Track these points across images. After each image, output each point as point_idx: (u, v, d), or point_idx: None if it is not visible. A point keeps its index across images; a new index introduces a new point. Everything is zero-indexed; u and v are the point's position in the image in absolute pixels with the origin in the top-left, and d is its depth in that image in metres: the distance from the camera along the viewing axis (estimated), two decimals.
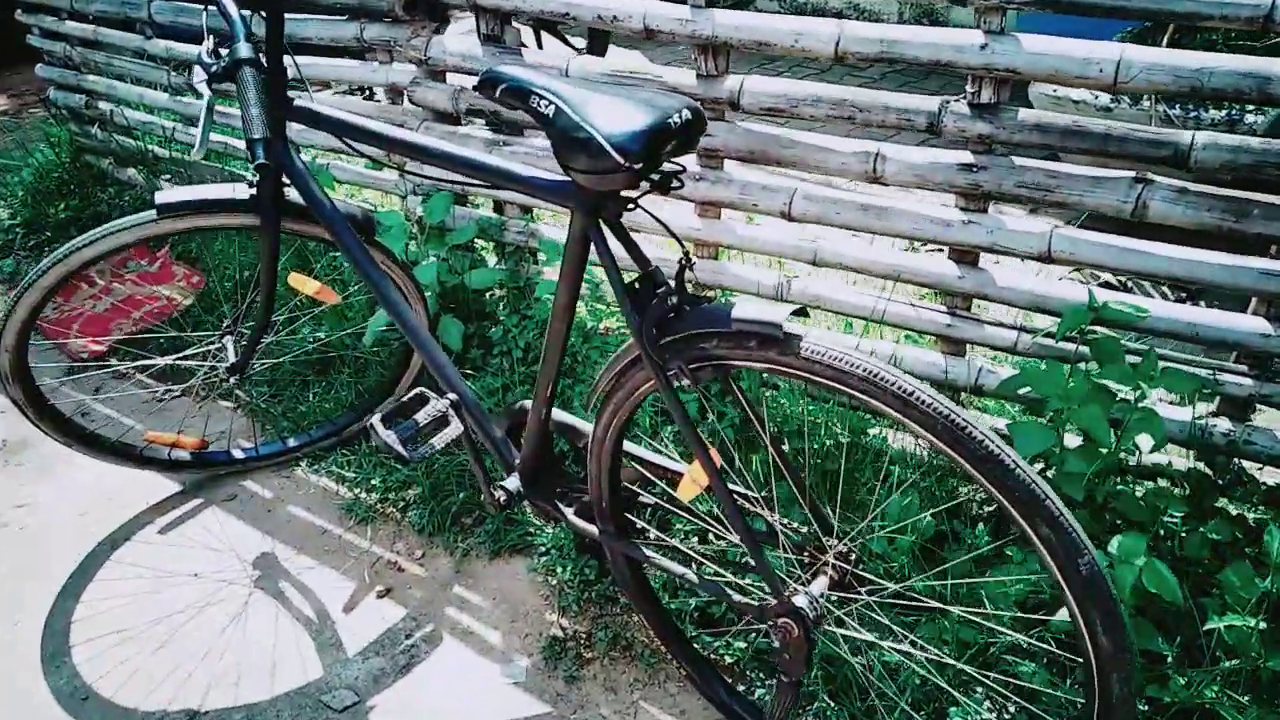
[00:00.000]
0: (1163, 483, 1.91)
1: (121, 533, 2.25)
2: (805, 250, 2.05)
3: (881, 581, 1.42)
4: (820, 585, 1.42)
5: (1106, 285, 2.77)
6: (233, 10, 1.57)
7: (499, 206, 2.56)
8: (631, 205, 1.31)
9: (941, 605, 1.58)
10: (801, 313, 1.26)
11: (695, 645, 1.79)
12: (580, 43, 5.34)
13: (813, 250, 2.04)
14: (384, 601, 2.06)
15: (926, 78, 5.51)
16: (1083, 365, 1.83)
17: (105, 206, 3.64)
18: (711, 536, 1.70)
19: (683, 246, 1.35)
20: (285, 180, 1.82)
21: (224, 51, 1.59)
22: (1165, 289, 2.79)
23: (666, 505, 1.62)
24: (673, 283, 1.36)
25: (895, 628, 1.53)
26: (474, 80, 1.42)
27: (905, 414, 1.15)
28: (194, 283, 3.20)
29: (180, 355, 2.29)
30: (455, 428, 1.64)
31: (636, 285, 1.37)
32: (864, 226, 1.94)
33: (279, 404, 2.61)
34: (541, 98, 1.28)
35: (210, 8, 1.64)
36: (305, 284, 2.09)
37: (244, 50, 1.49)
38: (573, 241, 1.40)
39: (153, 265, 3.26)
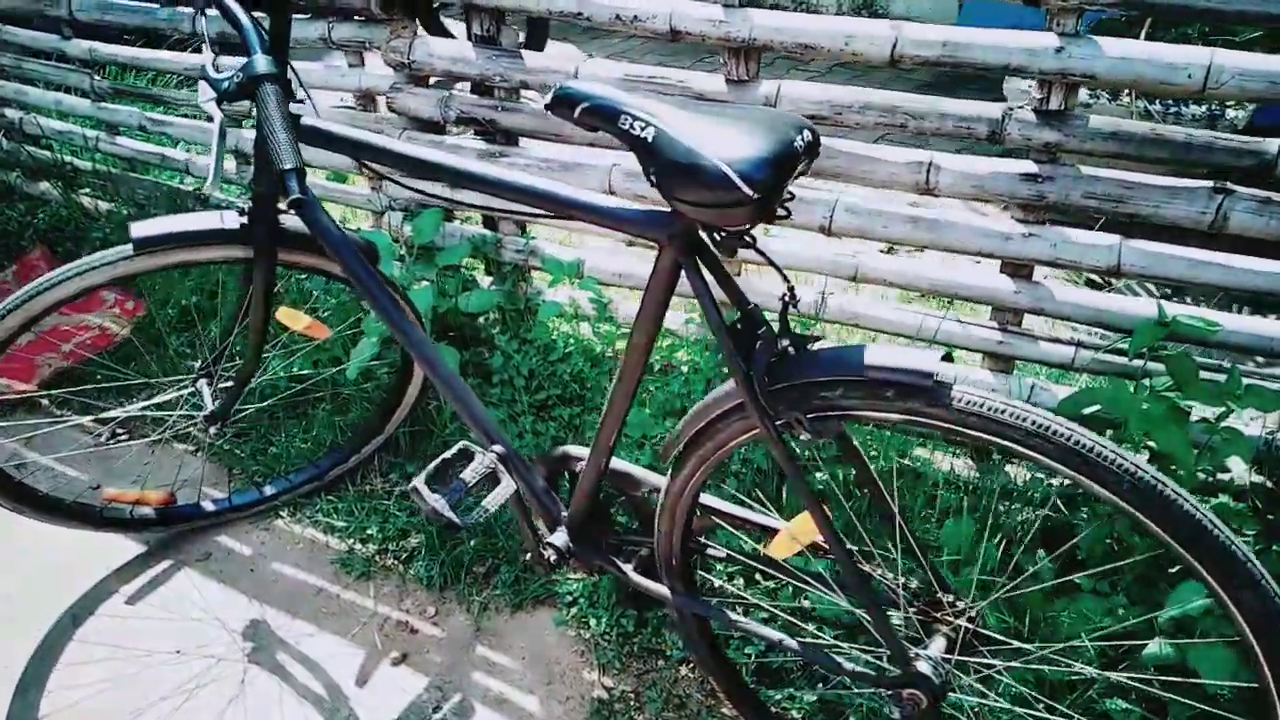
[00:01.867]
0: (1223, 498, 1.84)
1: (83, 606, 1.98)
2: (845, 266, 1.92)
3: (1008, 641, 1.30)
4: (939, 648, 1.29)
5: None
6: (242, 15, 1.34)
7: (491, 223, 2.36)
8: (750, 240, 1.14)
9: (1096, 671, 1.46)
10: (947, 357, 1.12)
11: (771, 708, 1.64)
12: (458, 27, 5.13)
13: (853, 266, 1.91)
14: (401, 670, 1.85)
15: (938, 82, 5.36)
16: (1146, 381, 1.75)
17: (15, 226, 3.27)
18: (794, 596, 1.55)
19: (787, 281, 1.19)
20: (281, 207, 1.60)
21: (216, 62, 1.36)
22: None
23: (748, 562, 1.46)
24: (777, 323, 1.21)
25: (1034, 695, 1.41)
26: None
27: (1084, 472, 1.03)
28: (129, 310, 2.89)
29: (148, 404, 2.02)
30: (507, 485, 1.46)
31: (738, 326, 1.21)
32: (912, 240, 1.82)
33: (245, 445, 2.36)
34: (635, 119, 1.11)
35: (208, 11, 1.41)
36: (295, 319, 1.86)
37: (262, 64, 1.26)
38: (659, 277, 1.24)
39: None
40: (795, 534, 1.31)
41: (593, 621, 1.91)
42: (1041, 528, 1.82)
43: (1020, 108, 1.66)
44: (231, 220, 1.60)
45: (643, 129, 1.10)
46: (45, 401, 2.53)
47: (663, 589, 1.48)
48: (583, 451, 1.58)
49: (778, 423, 1.20)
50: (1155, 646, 1.59)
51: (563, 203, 1.26)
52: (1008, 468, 1.95)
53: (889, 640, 1.24)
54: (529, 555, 1.64)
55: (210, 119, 1.31)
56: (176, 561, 2.09)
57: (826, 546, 1.34)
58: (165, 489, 2.12)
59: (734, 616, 1.41)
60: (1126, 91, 3.07)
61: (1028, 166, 1.69)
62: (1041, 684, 1.57)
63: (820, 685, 1.73)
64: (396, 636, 1.92)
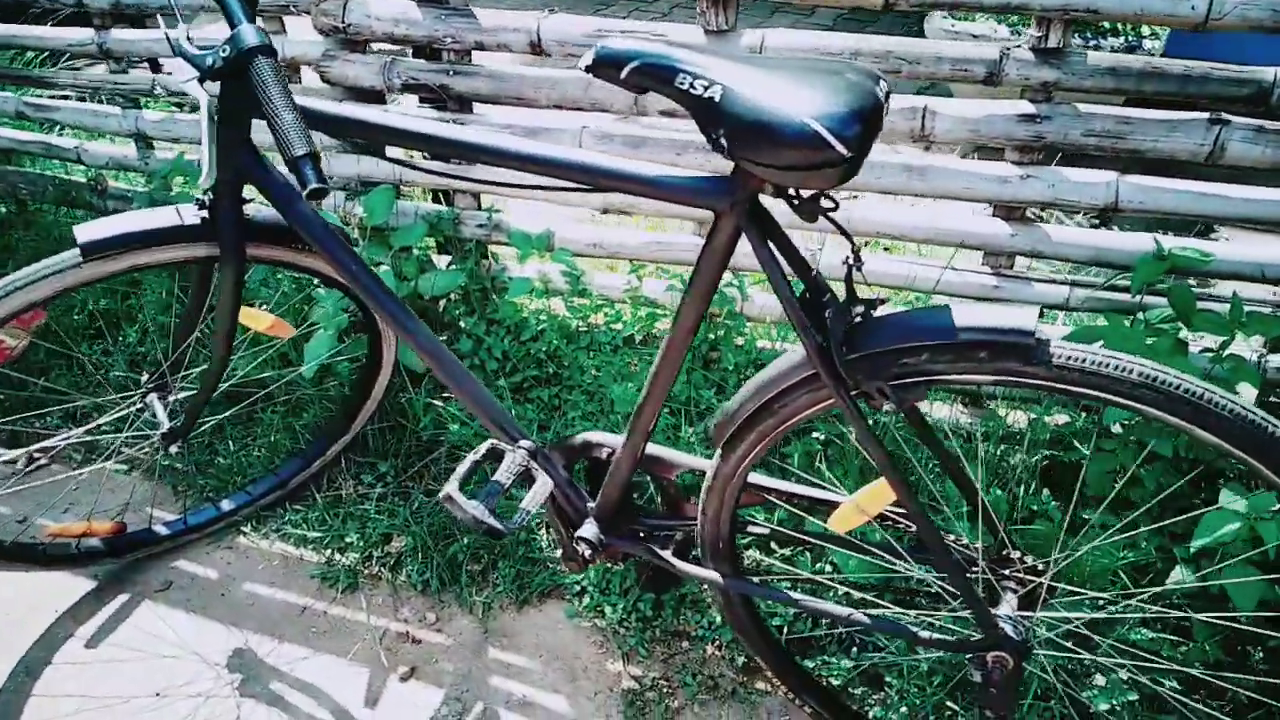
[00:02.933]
0: None
1: (36, 656, 1.77)
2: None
3: (1081, 591, 1.29)
4: (1012, 606, 1.27)
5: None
6: None
7: (444, 197, 2.20)
8: (833, 202, 1.06)
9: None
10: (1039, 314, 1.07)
11: (819, 680, 1.60)
12: None
13: (845, 219, 1.86)
14: (412, 684, 1.73)
15: (875, 22, 5.31)
16: (1141, 316, 1.77)
17: None
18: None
19: (853, 243, 1.12)
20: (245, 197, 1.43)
21: (189, 37, 1.17)
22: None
23: (804, 539, 1.41)
24: (843, 289, 1.14)
25: (1114, 644, 1.40)
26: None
27: (1195, 420, 1.00)
28: (24, 319, 2.59)
29: (93, 426, 1.80)
30: (544, 482, 1.35)
31: (806, 295, 1.14)
32: (908, 190, 1.78)
33: (191, 459, 2.15)
34: (696, 77, 1.01)
35: None
36: (257, 319, 1.68)
37: (252, 34, 1.08)
38: (717, 249, 1.15)
39: None
40: (862, 505, 1.26)
41: (608, 610, 1.82)
42: (1040, 468, 1.83)
43: (1018, 46, 1.62)
44: (190, 215, 1.42)
45: (706, 88, 1.01)
46: None
47: (710, 573, 1.41)
48: (605, 438, 1.48)
49: (854, 393, 1.13)
50: (1179, 574, 1.62)
51: (604, 174, 1.15)
52: (1000, 411, 1.95)
53: (974, 604, 1.21)
54: (561, 554, 1.54)
55: (186, 103, 1.13)
56: (134, 594, 1.90)
57: (893, 516, 1.30)
58: (113, 517, 1.92)
59: (796, 595, 1.35)
60: None
61: (1025, 107, 1.66)
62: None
63: (855, 651, 1.71)
64: (400, 649, 1.79)
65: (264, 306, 2.24)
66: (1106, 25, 2.96)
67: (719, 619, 1.77)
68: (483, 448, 1.36)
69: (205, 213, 1.42)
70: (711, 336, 2.04)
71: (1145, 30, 3.07)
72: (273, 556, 1.98)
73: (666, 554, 1.46)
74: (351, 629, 1.83)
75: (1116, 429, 1.76)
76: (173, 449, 1.70)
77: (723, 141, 1.01)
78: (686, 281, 2.00)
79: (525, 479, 1.36)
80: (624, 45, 1.05)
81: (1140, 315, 1.76)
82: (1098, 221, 2.95)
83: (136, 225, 1.38)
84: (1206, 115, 1.60)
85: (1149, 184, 1.67)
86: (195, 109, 2.73)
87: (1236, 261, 1.70)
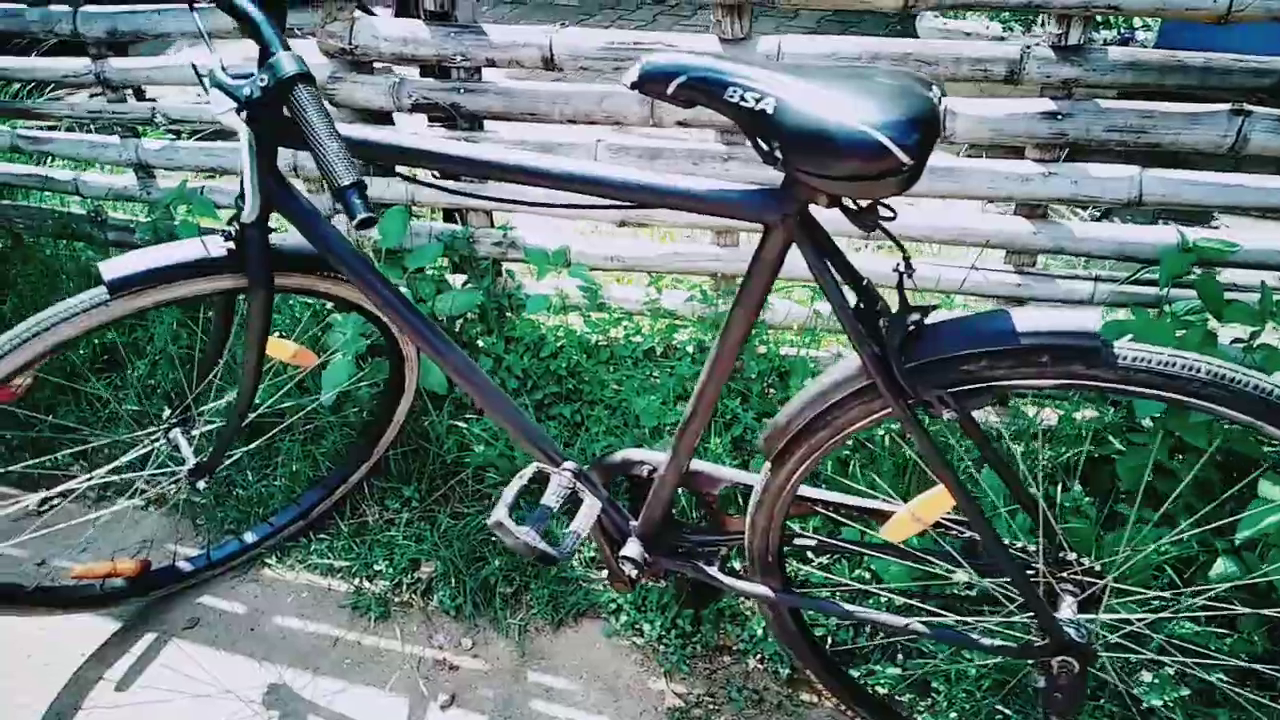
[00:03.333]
0: None
1: (67, 703, 1.73)
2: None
3: (1137, 590, 1.28)
4: (1070, 610, 1.26)
5: None
6: (249, 6, 1.13)
7: (455, 215, 2.18)
8: (891, 214, 1.05)
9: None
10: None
11: (868, 689, 1.59)
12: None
13: None
14: (454, 713, 1.70)
15: (860, 23, 5.33)
16: (1168, 309, 1.76)
17: None
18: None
19: (903, 251, 1.11)
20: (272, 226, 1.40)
21: (223, 66, 1.15)
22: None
23: (853, 549, 1.39)
24: (895, 298, 1.13)
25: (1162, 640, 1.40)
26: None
27: (1271, 419, 0.99)
28: None
29: (115, 465, 1.77)
30: (592, 504, 1.33)
31: (860, 305, 1.13)
32: (932, 191, 1.77)
33: (209, 493, 2.12)
34: (746, 89, 1.00)
35: (202, 5, 1.19)
36: (281, 348, 1.65)
37: (291, 62, 1.06)
38: (767, 262, 1.13)
39: None
40: (918, 514, 1.24)
41: (646, 627, 1.80)
42: (1069, 465, 1.83)
43: (1038, 44, 1.62)
44: (217, 247, 1.39)
45: (758, 100, 0.99)
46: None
47: (760, 588, 1.40)
48: (645, 455, 1.47)
49: (911, 402, 1.12)
50: (1221, 566, 1.61)
51: (650, 191, 1.13)
52: (1027, 409, 1.95)
53: (1038, 608, 1.20)
54: (607, 575, 1.51)
55: (229, 133, 1.09)
56: (161, 633, 1.86)
57: (947, 524, 1.29)
58: (132, 555, 1.88)
59: (851, 607, 1.34)
60: (1039, 23, 3.13)
61: (1046, 105, 1.66)
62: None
63: (900, 658, 1.69)
64: (438, 677, 1.76)
65: (277, 335, 2.22)
66: (1100, 18, 2.97)
67: (760, 632, 1.75)
68: (528, 472, 1.33)
69: (231, 244, 1.39)
70: None
71: (1137, 22, 3.09)
72: (300, 588, 1.95)
73: (713, 570, 1.45)
74: (387, 658, 1.80)
75: (1146, 422, 1.75)
76: (200, 484, 1.67)
77: (777, 154, 1.00)
78: (701, 292, 1.99)
79: (573, 501, 1.34)
80: (671, 60, 1.03)
81: (1166, 308, 1.76)
82: (1099, 215, 2.96)
83: (163, 260, 1.35)
84: (1228, 107, 1.60)
85: (1172, 177, 1.67)
86: (194, 136, 2.71)
87: (1263, 251, 1.70)
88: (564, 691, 1.73)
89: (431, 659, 1.80)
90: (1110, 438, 1.75)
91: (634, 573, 1.44)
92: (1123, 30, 3.06)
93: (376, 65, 2.01)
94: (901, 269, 1.11)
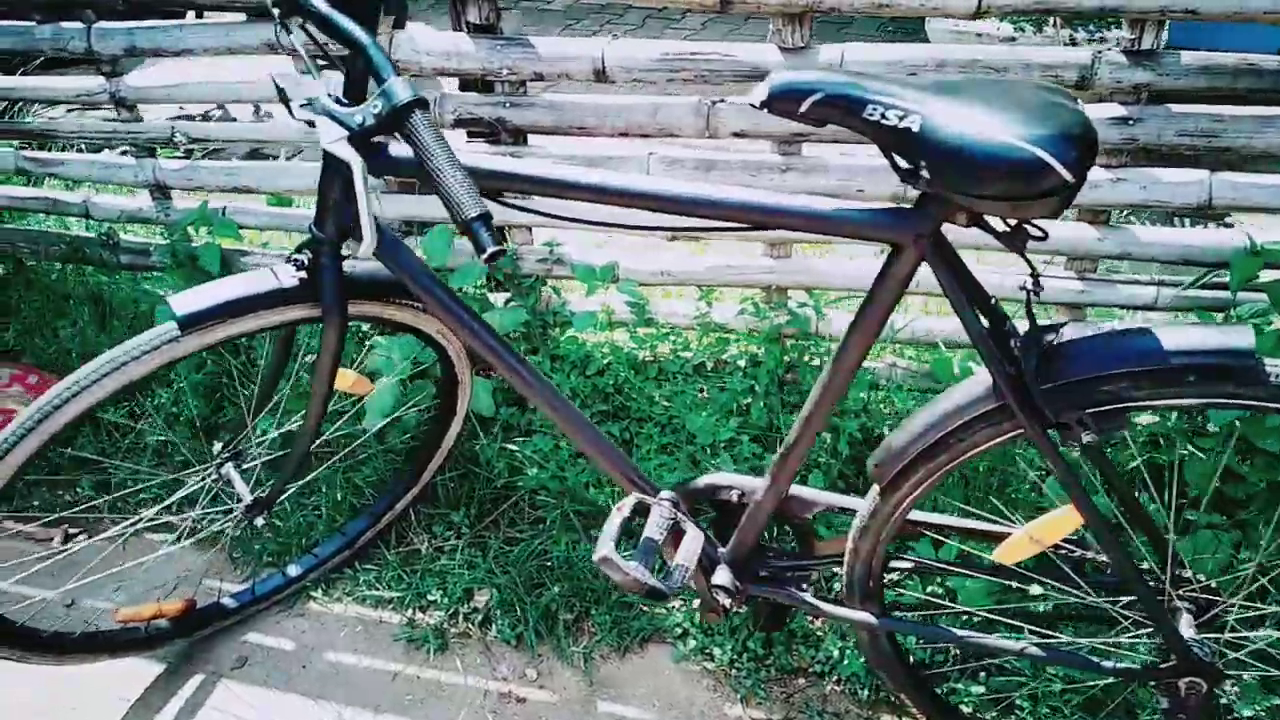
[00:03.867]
0: None
1: None
2: None
3: (1255, 606, 1.26)
4: (1190, 629, 1.23)
5: None
6: (354, 26, 1.06)
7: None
8: (1042, 234, 1.01)
9: None
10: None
11: (961, 708, 1.56)
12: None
13: None
14: None
15: (849, 25, 5.28)
16: (1233, 313, 1.75)
17: None
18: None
19: (1032, 267, 1.08)
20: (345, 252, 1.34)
21: (330, 93, 1.08)
22: None
23: (957, 571, 1.36)
24: (1023, 316, 1.10)
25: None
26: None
27: None
28: (33, 386, 2.45)
29: (166, 503, 1.69)
30: (695, 535, 1.28)
31: (989, 324, 1.09)
32: None
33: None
34: (888, 106, 0.96)
35: (293, 22, 1.12)
36: (343, 378, 1.59)
37: (405, 88, 1.00)
38: (895, 281, 1.10)
39: None
40: (1036, 536, 1.21)
41: (716, 651, 1.76)
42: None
43: (1110, 49, 1.60)
44: (288, 276, 1.33)
45: (901, 117, 0.95)
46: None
47: (862, 614, 1.36)
48: (734, 479, 1.42)
49: (1048, 424, 1.09)
50: None
51: (767, 212, 1.09)
52: None
53: (1168, 630, 1.17)
54: (699, 604, 1.46)
55: (336, 164, 1.02)
56: (209, 675, 1.78)
57: (1068, 546, 1.26)
58: (168, 592, 1.80)
59: (962, 632, 1.30)
60: (1052, 21, 3.13)
61: (1116, 110, 1.64)
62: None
63: (983, 675, 1.66)
64: (505, 710, 1.71)
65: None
66: (1111, 18, 2.98)
67: (836, 653, 1.71)
68: (628, 503, 1.28)
69: (303, 273, 1.33)
70: (787, 359, 1.99)
71: None
72: (350, 621, 1.88)
73: (808, 596, 1.41)
74: (449, 693, 1.74)
75: (1212, 427, 1.74)
76: (259, 521, 1.60)
77: (924, 173, 0.96)
78: (754, 305, 1.92)
79: (676, 533, 1.29)
80: (804, 77, 0.99)
81: (1232, 312, 1.75)
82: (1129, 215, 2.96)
83: (236, 292, 1.28)
84: None
85: (1240, 180, 1.66)
86: (216, 155, 2.62)
87: None
88: None
89: (496, 692, 1.74)
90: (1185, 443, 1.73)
91: (728, 601, 1.40)
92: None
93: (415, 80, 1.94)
94: (1030, 286, 1.08)
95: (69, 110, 4.18)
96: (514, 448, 1.96)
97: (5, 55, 2.23)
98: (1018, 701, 1.63)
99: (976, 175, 0.93)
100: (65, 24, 2.09)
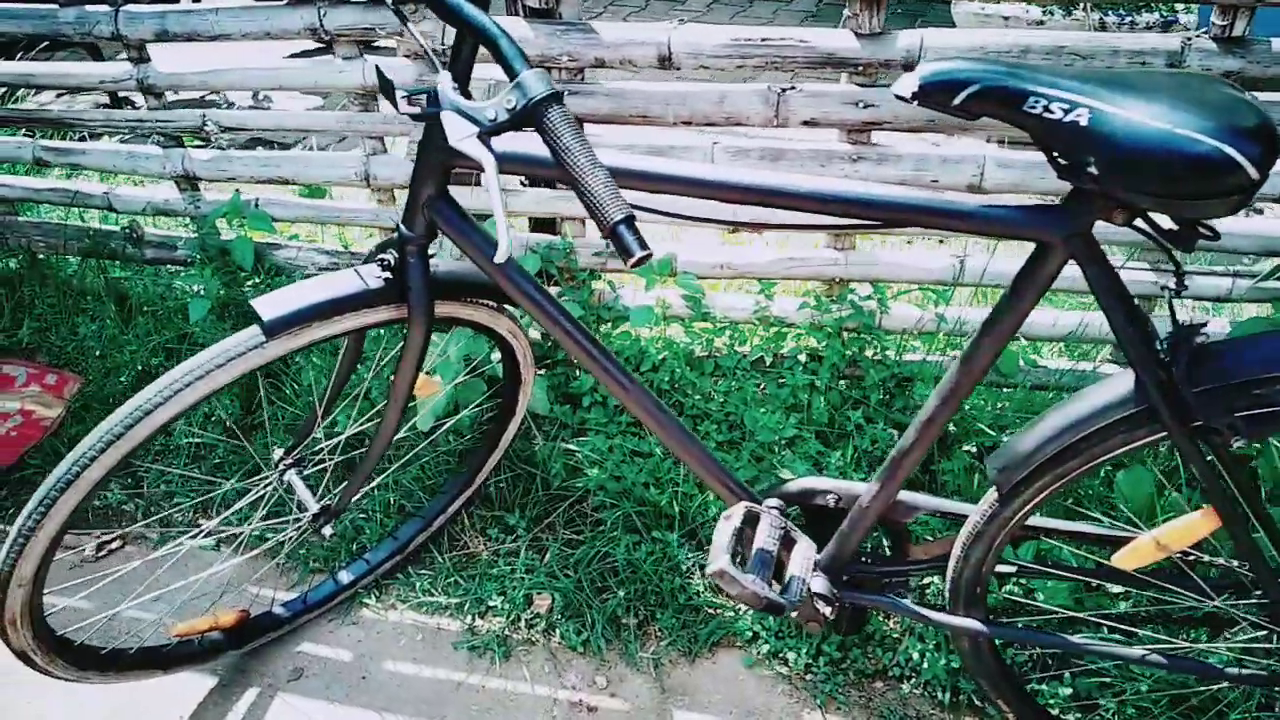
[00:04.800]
0: None
1: None
2: None
3: None
4: None
5: None
6: (484, 18, 0.99)
7: (544, 225, 2.05)
8: (1213, 234, 0.97)
9: None
10: None
11: (1053, 711, 1.53)
12: None
13: None
14: None
15: (816, 13, 5.22)
16: None
17: None
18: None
19: (1178, 266, 1.04)
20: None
21: (455, 86, 1.01)
22: None
23: (1074, 578, 1.32)
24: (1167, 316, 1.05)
25: None
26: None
27: None
28: (53, 385, 2.36)
29: (230, 513, 1.61)
30: (806, 545, 1.24)
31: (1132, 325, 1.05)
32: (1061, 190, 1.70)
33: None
34: (1054, 100, 0.91)
35: (417, 10, 1.05)
36: (427, 384, 1.53)
37: (540, 81, 0.93)
38: (1040, 281, 1.06)
39: None
40: (1164, 541, 1.17)
41: (791, 656, 1.72)
42: None
43: (1199, 35, 1.55)
44: (374, 277, 1.26)
45: (1067, 111, 0.90)
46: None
47: (969, 622, 1.32)
48: (828, 483, 1.38)
49: (1197, 428, 1.05)
50: None
51: (916, 209, 1.04)
52: None
53: None
54: (799, 615, 1.41)
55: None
56: (264, 688, 1.72)
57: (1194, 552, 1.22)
58: (236, 608, 1.73)
59: (1079, 639, 1.27)
60: (1081, 7, 3.09)
61: None
62: None
63: (1068, 676, 1.63)
64: None
65: None
66: (1142, 2, 2.95)
67: (915, 656, 1.68)
68: (737, 513, 1.23)
69: (388, 274, 1.26)
70: (848, 353, 1.94)
71: (1179, 7, 3.07)
72: (407, 629, 1.82)
73: (908, 603, 1.37)
74: (518, 702, 1.68)
75: None
76: (326, 530, 1.53)
77: (1091, 169, 0.91)
78: (815, 299, 1.85)
79: (787, 543, 1.24)
80: (959, 67, 0.94)
81: None
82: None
83: (321, 294, 1.21)
84: None
85: None
86: (250, 146, 2.52)
87: None
88: None
89: (566, 701, 1.69)
90: None
91: (827, 610, 1.35)
92: (1164, 14, 3.04)
93: None
94: (1173, 287, 1.04)
95: (58, 95, 4.05)
96: (574, 448, 1.90)
97: (22, 40, 2.11)
98: (1102, 703, 1.61)
99: (1155, 172, 0.88)
100: (90, 7, 1.99)
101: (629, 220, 0.90)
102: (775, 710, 1.67)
